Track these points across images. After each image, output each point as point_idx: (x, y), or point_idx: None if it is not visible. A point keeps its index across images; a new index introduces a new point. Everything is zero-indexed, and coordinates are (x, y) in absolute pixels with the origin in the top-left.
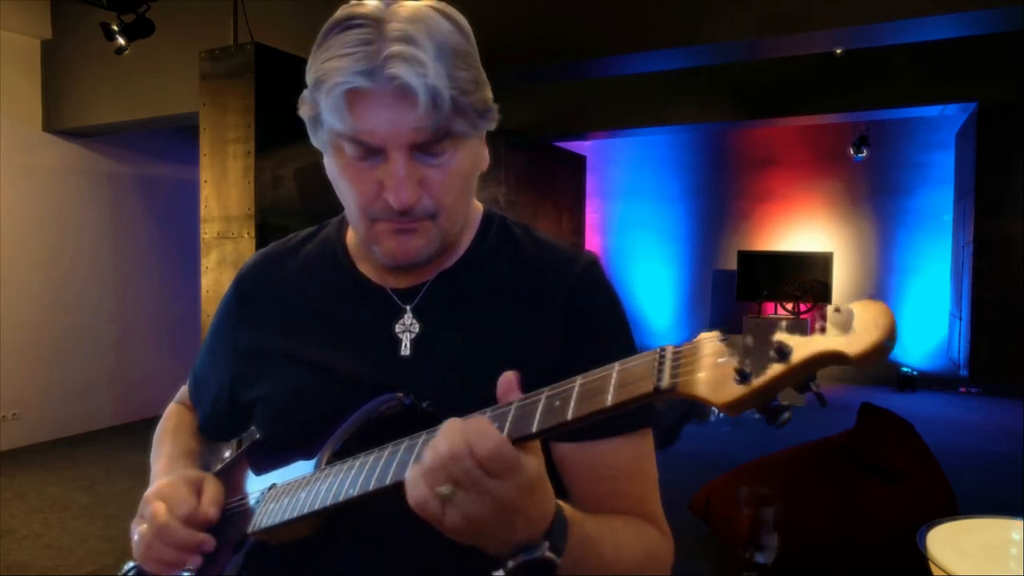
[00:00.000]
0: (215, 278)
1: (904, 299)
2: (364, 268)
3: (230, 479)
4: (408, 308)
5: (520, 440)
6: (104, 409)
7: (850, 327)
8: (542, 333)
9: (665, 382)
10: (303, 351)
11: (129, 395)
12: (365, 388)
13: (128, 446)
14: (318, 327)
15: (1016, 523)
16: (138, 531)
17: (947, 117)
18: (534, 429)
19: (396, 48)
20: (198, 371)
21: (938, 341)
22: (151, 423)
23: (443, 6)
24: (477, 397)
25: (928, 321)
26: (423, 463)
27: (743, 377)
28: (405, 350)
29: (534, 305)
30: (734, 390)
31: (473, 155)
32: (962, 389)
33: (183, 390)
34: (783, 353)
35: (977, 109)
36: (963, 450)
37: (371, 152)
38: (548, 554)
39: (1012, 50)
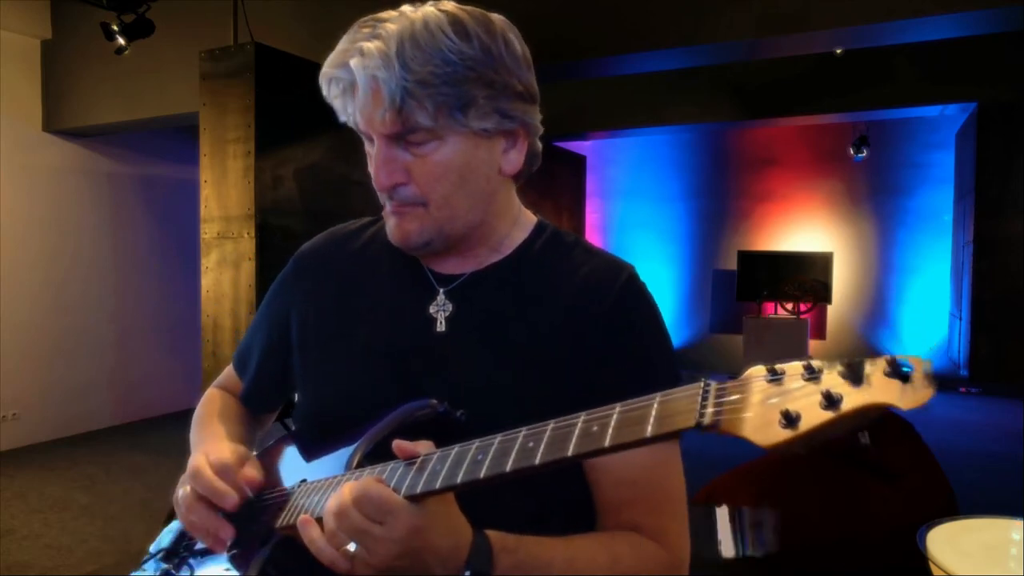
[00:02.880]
0: (215, 278)
1: (904, 299)
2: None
3: (264, 469)
4: (442, 290)
5: (553, 463)
6: (104, 409)
7: (906, 380)
8: (578, 334)
9: (708, 419)
10: (347, 325)
11: (129, 395)
12: (403, 366)
13: (128, 446)
14: (364, 302)
15: (1016, 523)
16: (181, 490)
17: (947, 117)
18: (570, 453)
19: (361, 43)
20: (245, 341)
21: (938, 341)
22: (151, 423)
23: (462, 11)
24: (508, 381)
25: (928, 321)
26: (325, 529)
27: (789, 421)
28: (440, 327)
29: (574, 307)
30: (779, 434)
31: (467, 151)
32: (962, 389)
33: (224, 374)
34: (833, 400)
35: (977, 109)
36: (963, 450)
37: (368, 138)
38: None
39: (1012, 50)
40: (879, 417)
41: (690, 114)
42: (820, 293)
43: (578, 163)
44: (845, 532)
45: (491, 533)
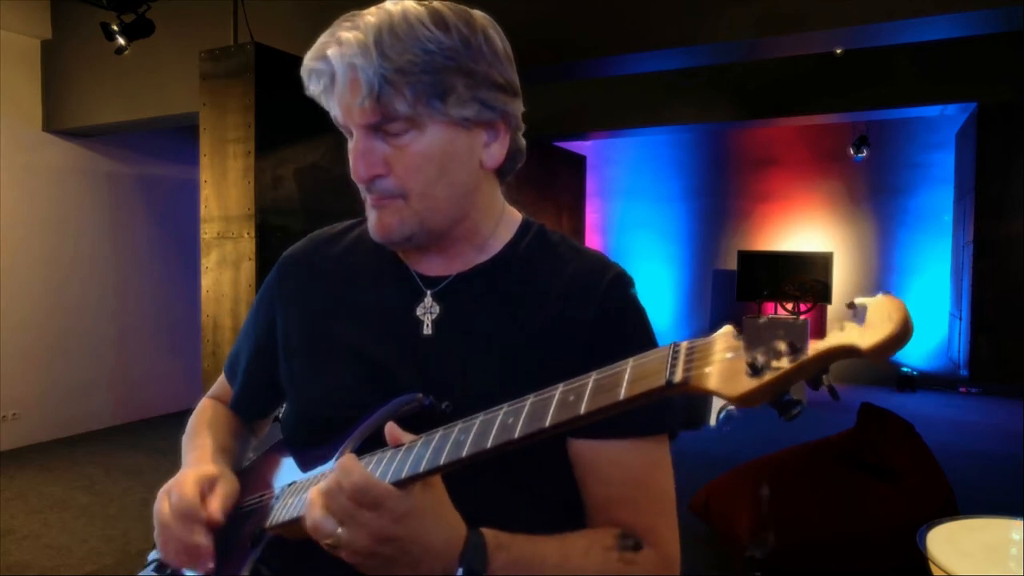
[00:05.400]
0: (215, 278)
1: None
2: (401, 254)
3: (256, 475)
4: (429, 292)
5: (532, 435)
6: (104, 409)
7: (863, 321)
8: (565, 336)
9: (678, 376)
10: (333, 328)
11: (129, 395)
12: (389, 370)
13: (128, 446)
14: (349, 305)
15: (1016, 523)
16: (156, 524)
17: (947, 117)
18: (547, 423)
19: (339, 34)
20: (234, 348)
21: (938, 341)
22: (151, 423)
23: (443, 5)
24: (495, 384)
25: (928, 321)
26: (311, 514)
27: (755, 371)
28: (427, 330)
29: (560, 309)
30: (746, 383)
31: (446, 141)
32: (962, 389)
33: (216, 383)
34: (795, 347)
35: (977, 109)
36: (963, 450)
37: (348, 131)
38: None
39: (1012, 50)
40: (843, 357)
41: (690, 114)
42: (820, 293)
43: (578, 163)
44: (845, 532)
45: (485, 531)
